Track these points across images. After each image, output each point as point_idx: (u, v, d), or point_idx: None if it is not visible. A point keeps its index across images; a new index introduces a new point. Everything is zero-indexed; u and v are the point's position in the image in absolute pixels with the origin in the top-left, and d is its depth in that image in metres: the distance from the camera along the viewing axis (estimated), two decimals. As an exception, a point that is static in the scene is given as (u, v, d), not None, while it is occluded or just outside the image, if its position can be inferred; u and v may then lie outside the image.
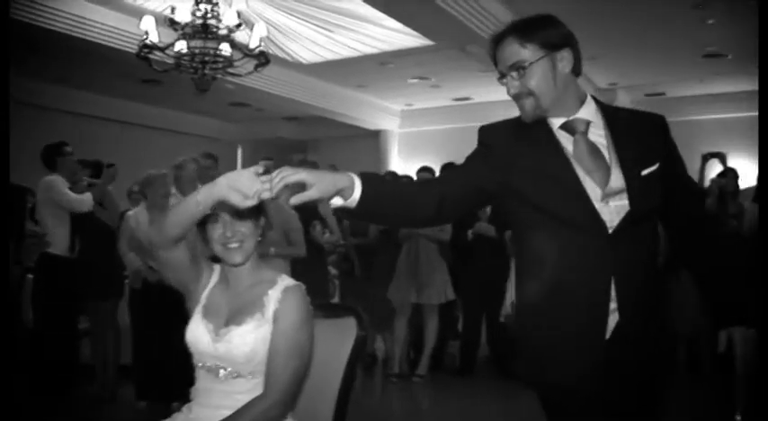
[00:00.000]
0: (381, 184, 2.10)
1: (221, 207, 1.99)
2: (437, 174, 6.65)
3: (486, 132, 2.18)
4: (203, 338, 2.15)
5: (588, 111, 2.08)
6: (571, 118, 2.06)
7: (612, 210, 1.99)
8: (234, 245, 2.16)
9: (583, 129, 2.05)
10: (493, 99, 12.02)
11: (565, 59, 2.03)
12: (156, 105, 12.28)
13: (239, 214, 2.14)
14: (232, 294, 2.22)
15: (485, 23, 7.41)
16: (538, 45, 2.01)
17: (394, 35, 8.48)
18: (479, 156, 2.15)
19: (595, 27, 7.99)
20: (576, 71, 2.08)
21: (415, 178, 6.75)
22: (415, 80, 11.04)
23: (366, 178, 1.95)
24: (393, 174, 7.10)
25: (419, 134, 13.52)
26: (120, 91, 11.16)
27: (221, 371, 2.13)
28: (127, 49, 7.69)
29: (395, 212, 2.10)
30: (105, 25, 7.63)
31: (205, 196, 1.89)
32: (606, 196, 1.99)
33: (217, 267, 2.28)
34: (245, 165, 14.09)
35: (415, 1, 6.49)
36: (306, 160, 7.32)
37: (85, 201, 5.39)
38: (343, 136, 13.79)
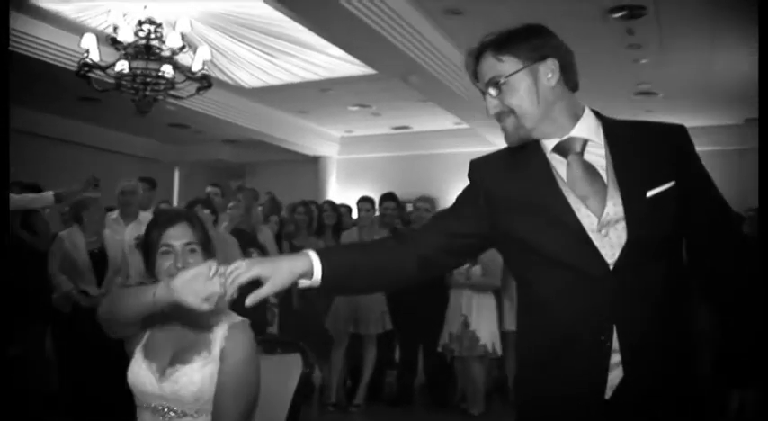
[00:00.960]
0: (345, 256, 1.87)
1: (176, 309, 1.88)
2: (376, 203, 6.67)
3: (474, 166, 1.99)
4: (147, 379, 2.09)
5: (585, 128, 1.82)
6: (564, 137, 1.82)
7: (614, 243, 1.73)
8: None
9: (578, 150, 1.81)
10: (432, 128, 12.21)
11: (550, 71, 1.79)
12: (93, 123, 12.04)
13: (192, 246, 2.12)
14: (176, 332, 2.16)
15: (426, 54, 7.52)
16: (516, 57, 1.79)
17: (336, 63, 8.52)
18: (467, 196, 1.97)
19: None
20: (570, 84, 1.85)
21: (355, 207, 6.77)
22: (356, 107, 11.10)
23: (326, 255, 1.77)
24: (331, 203, 7.07)
25: (358, 161, 13.57)
26: (55, 107, 10.91)
27: (168, 412, 2.08)
28: (64, 66, 7.56)
29: (367, 283, 1.92)
30: (42, 40, 7.48)
31: (162, 297, 1.80)
32: (603, 226, 1.74)
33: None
34: (182, 187, 14.04)
35: (359, 30, 6.52)
36: (243, 186, 7.27)
37: (45, 197, 5.16)
38: (281, 161, 13.75)
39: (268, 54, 8.40)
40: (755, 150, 10.20)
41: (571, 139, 1.81)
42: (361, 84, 9.39)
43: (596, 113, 1.87)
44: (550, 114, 1.81)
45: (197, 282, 1.69)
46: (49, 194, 5.18)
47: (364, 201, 6.45)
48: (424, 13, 7.01)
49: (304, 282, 1.73)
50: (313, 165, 13.65)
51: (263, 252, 5.84)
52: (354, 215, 7.31)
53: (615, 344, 1.71)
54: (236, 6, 6.96)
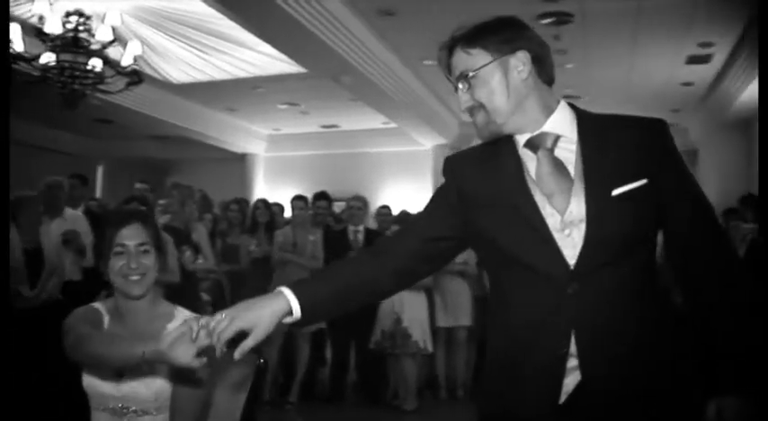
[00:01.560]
0: (321, 285, 1.80)
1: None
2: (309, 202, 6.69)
3: (448, 162, 1.91)
4: (104, 381, 2.10)
5: (558, 123, 1.75)
6: (536, 132, 1.75)
7: (576, 243, 1.67)
8: (135, 277, 2.13)
9: (548, 146, 1.74)
10: (360, 127, 12.28)
11: (521, 64, 1.72)
12: (17, 118, 11.68)
13: (146, 246, 2.14)
14: (130, 331, 2.15)
15: (358, 55, 7.58)
16: (485, 50, 1.73)
17: (267, 60, 8.51)
18: (440, 195, 1.91)
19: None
20: (545, 77, 1.78)
21: (288, 206, 6.79)
22: (285, 106, 11.09)
23: (301, 289, 1.73)
24: (264, 201, 7.04)
25: (286, 159, 13.55)
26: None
27: (128, 412, 2.09)
28: None
29: (346, 306, 1.86)
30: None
31: (152, 357, 1.76)
32: (566, 225, 1.68)
33: (102, 307, 2.21)
34: (105, 184, 13.77)
35: (292, 29, 6.53)
36: (179, 184, 7.19)
37: None
38: (208, 158, 13.62)
39: (199, 50, 8.33)
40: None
41: (543, 135, 1.74)
42: (291, 82, 9.39)
43: (573, 107, 1.79)
44: (522, 108, 1.74)
45: (184, 342, 1.65)
46: None
47: (298, 200, 6.47)
48: (358, 14, 7.07)
49: (287, 319, 1.71)
50: (240, 163, 13.58)
51: (197, 250, 5.80)
52: (287, 213, 7.32)
53: (573, 348, 1.67)
54: (168, 1, 6.88)
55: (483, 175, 1.80)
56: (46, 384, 4.43)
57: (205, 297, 6.12)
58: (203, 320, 1.62)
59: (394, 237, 2.02)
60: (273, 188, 13.38)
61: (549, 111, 1.75)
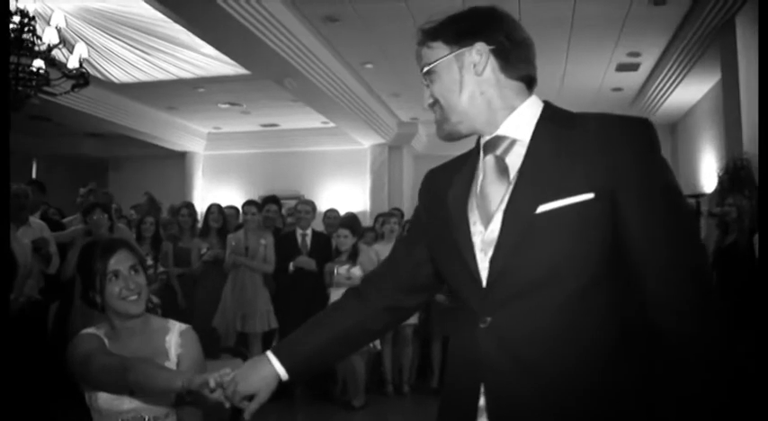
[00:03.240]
0: (307, 344, 1.75)
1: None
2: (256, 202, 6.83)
3: (424, 179, 1.78)
4: (121, 398, 2.24)
5: (515, 124, 1.53)
6: (492, 136, 1.55)
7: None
8: (134, 297, 2.27)
9: (497, 151, 1.53)
10: (300, 126, 12.42)
11: (478, 57, 1.52)
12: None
13: (136, 267, 2.31)
14: (130, 349, 2.30)
15: (303, 59, 7.73)
16: (444, 43, 1.56)
17: (210, 62, 8.60)
18: (414, 217, 1.82)
19: (400, 66, 8.59)
20: (513, 73, 1.54)
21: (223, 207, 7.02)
22: (226, 105, 11.16)
23: (285, 353, 1.74)
24: (218, 206, 7.12)
25: (225, 157, 13.59)
26: None
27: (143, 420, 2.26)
28: None
29: (337, 355, 1.85)
30: None
31: (191, 389, 1.87)
32: (486, 245, 1.47)
33: (98, 332, 2.33)
34: (40, 181, 13.58)
35: (238, 33, 6.65)
36: (94, 189, 7.25)
37: None
38: (147, 155, 13.55)
39: (142, 51, 8.37)
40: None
41: (496, 138, 1.54)
42: (233, 83, 9.50)
43: (547, 107, 1.56)
44: (478, 107, 1.54)
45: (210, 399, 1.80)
46: None
47: (249, 205, 6.61)
48: (303, 20, 7.24)
49: (282, 378, 1.74)
50: (179, 161, 13.57)
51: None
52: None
53: (482, 400, 1.46)
54: (113, 3, 6.93)
55: (444, 188, 1.63)
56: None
57: (155, 299, 6.20)
58: (217, 379, 1.75)
59: (379, 274, 1.85)
60: (213, 185, 13.43)
61: (511, 111, 1.54)
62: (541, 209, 1.40)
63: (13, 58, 6.42)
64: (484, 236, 1.47)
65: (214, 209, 6.94)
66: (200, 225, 7.04)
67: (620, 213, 1.38)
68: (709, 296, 1.36)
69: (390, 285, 1.76)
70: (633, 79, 9.25)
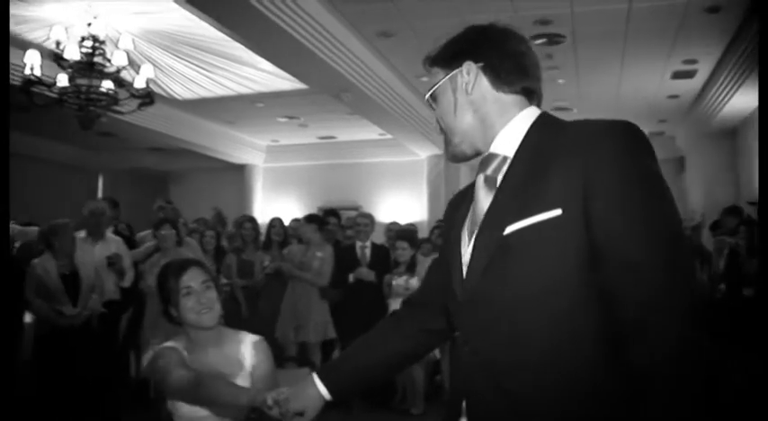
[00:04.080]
0: (348, 367, 1.86)
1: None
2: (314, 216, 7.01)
3: (451, 199, 1.77)
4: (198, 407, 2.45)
5: (505, 140, 1.50)
6: (486, 153, 1.54)
7: None
8: (206, 310, 2.47)
9: (488, 171, 1.51)
10: (356, 138, 12.61)
11: (466, 75, 1.52)
12: (17, 131, 11.91)
13: (207, 283, 2.50)
14: (207, 359, 2.50)
15: (359, 73, 7.92)
16: (440, 67, 1.58)
17: (269, 77, 8.82)
18: (443, 239, 1.76)
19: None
20: (508, 87, 1.51)
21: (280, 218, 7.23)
22: (284, 119, 11.41)
23: (329, 375, 1.86)
24: (279, 220, 7.35)
25: (283, 169, 13.83)
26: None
27: None
28: None
29: (378, 377, 1.93)
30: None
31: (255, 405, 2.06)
32: (465, 266, 1.49)
33: (177, 345, 2.51)
34: (105, 194, 14.03)
35: (297, 50, 6.84)
36: (163, 205, 7.51)
37: None
38: (207, 168, 13.90)
39: (203, 69, 8.63)
40: (661, 162, 11.03)
41: (488, 156, 1.52)
42: (291, 97, 9.72)
43: (543, 117, 1.51)
44: (475, 126, 1.53)
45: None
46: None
47: (309, 222, 6.78)
48: (359, 36, 7.42)
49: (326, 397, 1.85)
50: (239, 173, 13.86)
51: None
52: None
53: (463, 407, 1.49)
54: (176, 25, 7.19)
55: (457, 208, 1.64)
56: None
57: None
58: (274, 396, 1.91)
59: (413, 295, 1.91)
60: (272, 197, 13.68)
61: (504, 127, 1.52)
62: (509, 229, 1.36)
63: (85, 81, 6.75)
64: (464, 257, 1.48)
65: (276, 222, 7.16)
66: (262, 238, 7.25)
67: (593, 224, 1.29)
68: (683, 298, 1.23)
69: (425, 307, 1.78)
70: (690, 86, 9.21)
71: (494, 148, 1.50)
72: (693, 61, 8.17)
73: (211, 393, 2.24)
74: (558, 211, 1.30)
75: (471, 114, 1.52)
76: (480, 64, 1.51)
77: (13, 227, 6.20)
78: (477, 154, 1.57)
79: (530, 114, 1.50)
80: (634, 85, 9.03)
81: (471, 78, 1.51)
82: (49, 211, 8.42)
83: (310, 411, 1.86)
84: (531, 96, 1.54)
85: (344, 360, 1.93)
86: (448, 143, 1.59)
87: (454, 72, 1.53)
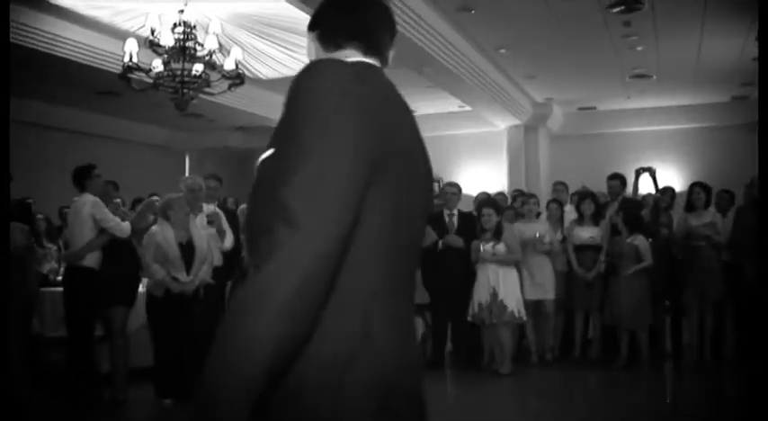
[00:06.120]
0: None
1: None
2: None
3: None
4: None
5: None
6: None
7: None
8: None
9: None
10: (435, 111, 12.73)
11: (311, 42, 1.62)
12: (109, 115, 12.47)
13: None
14: None
15: (440, 48, 8.07)
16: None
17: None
18: None
19: (534, 50, 8.81)
20: (333, 49, 1.56)
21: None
22: (364, 94, 11.57)
23: None
24: None
25: (364, 144, 14.02)
26: (73, 101, 11.36)
27: None
28: (88, 63, 8.26)
29: None
30: (67, 40, 8.04)
31: None
32: None
33: None
34: (192, 173, 14.52)
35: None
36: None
37: (125, 229, 5.90)
38: (289, 145, 14.17)
39: (287, 48, 8.87)
40: (743, 126, 10.79)
41: None
42: (371, 72, 9.88)
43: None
44: None
45: None
46: (128, 225, 5.95)
47: None
48: (439, 11, 7.56)
49: None
50: (320, 149, 14.06)
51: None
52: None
53: None
54: (260, 7, 7.46)
55: None
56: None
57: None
58: None
59: None
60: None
61: None
62: (258, 160, 1.36)
63: (178, 65, 7.09)
64: None
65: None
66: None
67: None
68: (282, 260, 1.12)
69: None
70: (776, 46, 9.02)
71: None
72: (781, 20, 8.01)
73: None
74: (271, 150, 1.32)
75: None
76: (316, 32, 1.58)
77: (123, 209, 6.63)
78: None
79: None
80: (715, 48, 8.89)
81: (312, 46, 1.59)
82: (145, 190, 8.90)
83: None
84: (368, 52, 1.57)
85: None
86: None
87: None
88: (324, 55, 1.54)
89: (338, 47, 1.54)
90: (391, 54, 1.67)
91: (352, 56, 1.52)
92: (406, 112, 1.52)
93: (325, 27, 1.56)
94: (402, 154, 1.36)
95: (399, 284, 1.36)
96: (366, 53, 1.56)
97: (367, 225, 1.24)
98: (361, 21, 1.58)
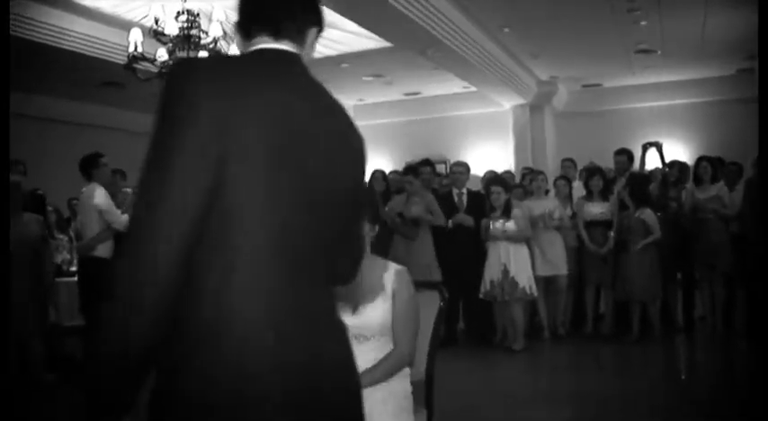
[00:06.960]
0: None
1: None
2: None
3: None
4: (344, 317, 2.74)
5: None
6: None
7: None
8: None
9: None
10: (441, 93, 12.75)
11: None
12: (114, 107, 12.50)
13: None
14: (357, 282, 2.78)
15: (445, 29, 8.08)
16: None
17: (353, 38, 9.04)
18: None
19: (538, 28, 8.81)
20: (245, 36, 1.61)
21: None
22: (370, 78, 11.64)
23: None
24: (382, 172, 7.74)
25: (371, 127, 14.02)
26: (76, 93, 11.41)
27: (359, 337, 2.72)
28: (93, 55, 8.29)
29: None
30: (73, 32, 8.05)
31: None
32: None
33: None
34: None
35: (382, 9, 7.04)
36: None
37: (125, 222, 5.89)
38: (297, 130, 14.19)
39: (291, 34, 8.89)
40: (749, 99, 10.79)
41: None
42: (376, 56, 9.92)
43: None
44: None
45: None
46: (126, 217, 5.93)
47: (406, 174, 7.07)
48: (442, -9, 7.57)
49: None
50: (327, 133, 14.08)
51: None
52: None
53: None
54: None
55: None
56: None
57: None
58: None
59: None
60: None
61: None
62: None
63: (183, 54, 7.11)
64: None
65: (378, 174, 7.49)
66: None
67: None
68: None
69: None
70: (782, 18, 8.97)
71: None
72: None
73: None
74: None
75: None
76: (235, 24, 1.63)
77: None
78: None
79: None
80: (720, 20, 8.84)
81: (237, 38, 1.63)
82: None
83: None
84: (278, 38, 1.60)
85: None
86: None
87: None
88: (242, 45, 1.60)
89: (249, 36, 1.58)
90: (311, 36, 1.71)
91: (263, 43, 1.57)
92: (306, 93, 1.62)
93: (239, 19, 1.61)
94: (284, 134, 1.41)
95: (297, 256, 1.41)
96: (277, 39, 1.59)
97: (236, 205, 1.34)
98: (266, 8, 1.61)
